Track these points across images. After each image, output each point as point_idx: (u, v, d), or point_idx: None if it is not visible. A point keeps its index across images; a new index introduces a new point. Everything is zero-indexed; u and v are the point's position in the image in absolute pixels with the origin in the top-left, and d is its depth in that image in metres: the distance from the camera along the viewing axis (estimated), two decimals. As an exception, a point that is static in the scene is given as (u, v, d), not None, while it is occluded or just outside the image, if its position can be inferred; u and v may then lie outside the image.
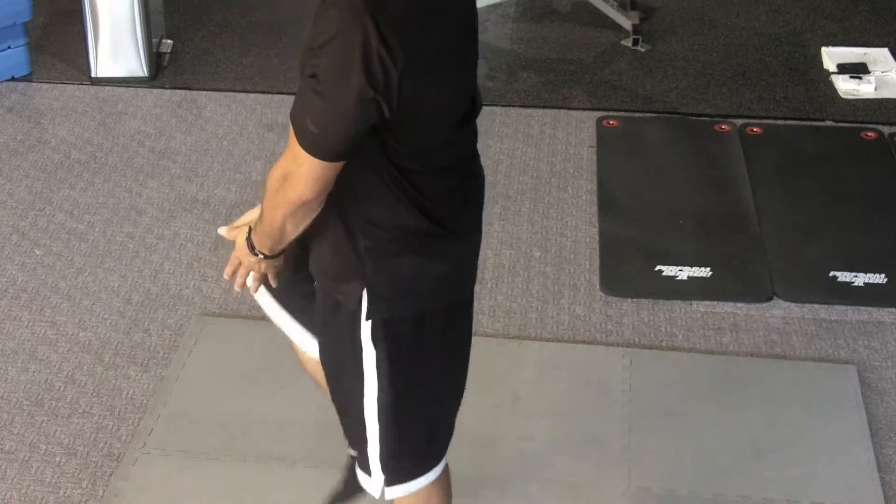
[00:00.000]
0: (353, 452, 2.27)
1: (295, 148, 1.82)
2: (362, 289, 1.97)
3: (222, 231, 2.15)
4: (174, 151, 4.10)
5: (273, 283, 2.12)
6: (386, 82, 1.74)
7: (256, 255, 2.03)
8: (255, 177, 3.92)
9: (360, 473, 2.20)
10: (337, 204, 1.92)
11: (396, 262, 1.96)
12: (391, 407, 2.06)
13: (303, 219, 1.91)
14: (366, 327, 1.99)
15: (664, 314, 3.37)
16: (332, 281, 2.02)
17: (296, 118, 1.81)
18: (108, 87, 4.46)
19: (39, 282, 3.46)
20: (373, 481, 2.17)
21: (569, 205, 3.84)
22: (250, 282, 2.10)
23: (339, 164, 1.83)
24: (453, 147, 1.98)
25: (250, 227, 2.03)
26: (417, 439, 2.15)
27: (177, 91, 4.46)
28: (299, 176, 1.83)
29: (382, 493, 2.18)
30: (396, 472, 2.15)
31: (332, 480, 2.74)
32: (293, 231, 1.94)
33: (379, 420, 2.08)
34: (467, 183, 2.03)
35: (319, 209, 1.90)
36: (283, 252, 2.04)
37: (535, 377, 3.12)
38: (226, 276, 2.11)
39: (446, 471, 2.25)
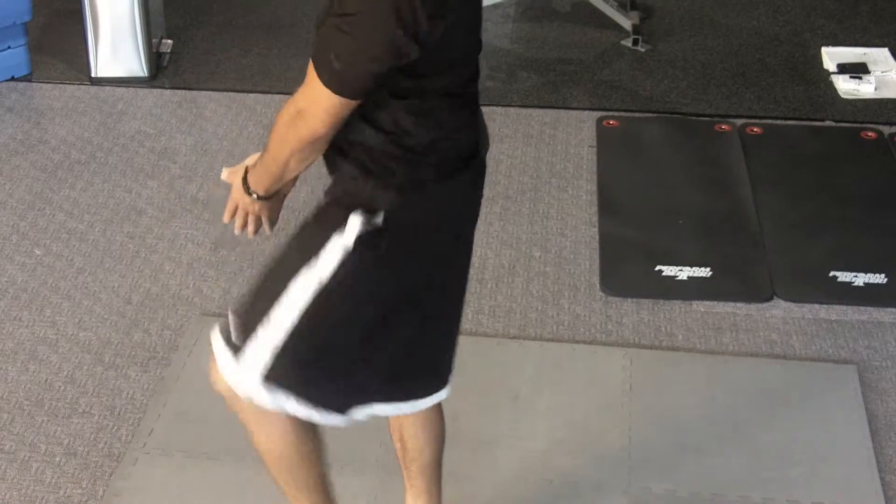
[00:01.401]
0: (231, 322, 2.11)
1: (313, 83, 1.84)
2: (380, 214, 1.97)
3: (224, 173, 2.15)
4: (174, 151, 4.10)
5: (267, 230, 2.12)
6: (416, 25, 1.77)
7: (251, 195, 2.05)
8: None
9: (221, 348, 2.07)
10: (359, 130, 1.94)
11: (415, 188, 1.98)
12: (323, 316, 2.01)
13: (308, 156, 1.93)
14: (349, 235, 1.96)
15: (664, 314, 3.37)
16: (346, 192, 2.01)
17: (319, 54, 1.83)
18: (108, 87, 4.47)
19: (39, 282, 3.46)
20: (242, 365, 2.04)
21: (569, 205, 3.84)
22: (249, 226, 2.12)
23: (356, 103, 1.86)
24: (470, 82, 2.01)
25: (247, 168, 2.06)
26: (333, 365, 2.07)
27: (177, 91, 4.46)
28: (315, 112, 1.85)
29: (251, 384, 2.05)
30: (284, 376, 2.03)
31: (331, 480, 2.74)
32: (296, 168, 1.96)
33: (302, 317, 2.00)
34: (477, 120, 2.07)
35: (325, 148, 1.92)
36: (277, 194, 2.06)
37: (535, 377, 3.12)
38: (225, 220, 2.12)
39: (318, 432, 2.17)
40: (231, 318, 2.07)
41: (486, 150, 2.12)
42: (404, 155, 1.94)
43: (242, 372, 2.04)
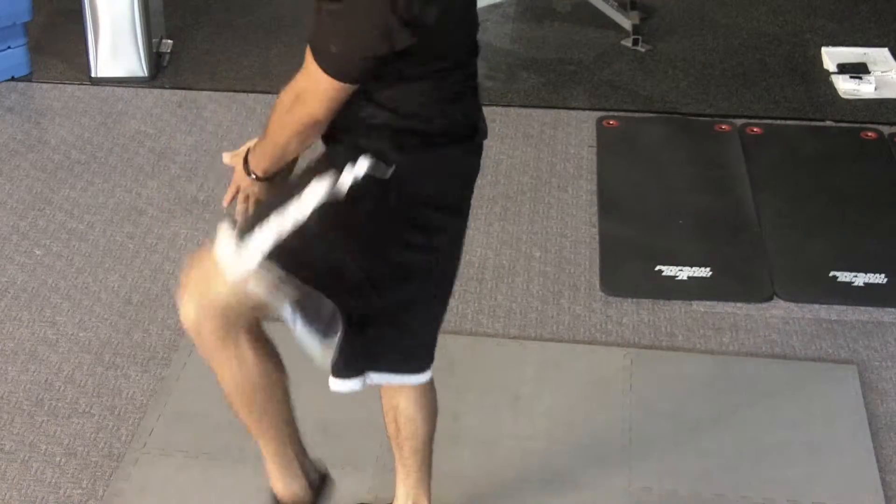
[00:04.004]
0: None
1: (311, 68, 1.87)
2: (391, 165, 1.95)
3: (226, 157, 2.18)
4: (174, 151, 4.10)
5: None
6: (410, 9, 1.79)
7: (250, 175, 2.07)
8: (255, 177, 3.93)
9: (226, 234, 2.00)
10: (368, 98, 1.93)
11: (425, 152, 1.99)
12: (327, 226, 1.98)
13: (307, 138, 1.96)
14: (360, 166, 1.95)
15: (664, 314, 3.37)
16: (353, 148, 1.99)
17: (316, 39, 1.86)
18: (108, 87, 4.47)
19: (39, 282, 3.46)
20: (246, 246, 1.98)
21: (569, 205, 3.84)
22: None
23: (354, 87, 1.87)
24: (469, 77, 2.03)
25: (248, 149, 2.08)
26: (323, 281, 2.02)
27: (177, 91, 4.46)
28: (314, 96, 1.88)
29: (249, 261, 1.98)
30: (282, 258, 1.97)
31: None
32: (295, 151, 1.99)
33: (309, 216, 1.97)
34: (477, 105, 2.08)
35: (323, 131, 1.94)
36: (277, 176, 2.08)
37: (535, 377, 3.12)
38: (225, 203, 2.15)
39: (282, 365, 2.14)
40: (238, 222, 2.05)
41: (485, 136, 2.13)
42: (405, 129, 1.96)
43: (244, 251, 1.97)
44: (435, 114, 1.98)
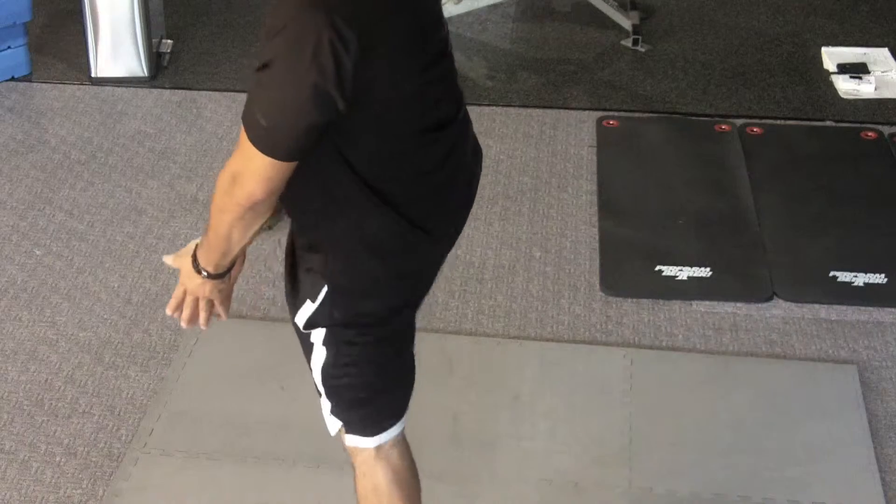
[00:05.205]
0: None
1: (245, 145, 1.74)
2: (323, 286, 1.96)
3: (167, 259, 2.08)
4: (174, 151, 4.10)
5: (221, 312, 2.04)
6: (337, 74, 1.66)
7: (201, 273, 1.97)
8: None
9: (323, 410, 2.14)
10: (306, 216, 1.90)
11: (363, 267, 1.95)
12: (333, 383, 2.06)
13: (250, 223, 1.85)
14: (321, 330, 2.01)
15: (664, 314, 3.37)
16: (302, 270, 2.02)
17: (246, 113, 1.74)
18: (108, 87, 4.46)
19: (39, 282, 3.46)
20: (330, 421, 2.13)
21: (569, 205, 3.84)
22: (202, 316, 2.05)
23: (291, 165, 1.76)
24: (428, 151, 1.92)
25: (196, 246, 1.98)
26: (360, 409, 2.10)
27: (177, 91, 4.46)
28: (249, 175, 1.76)
29: (340, 435, 2.14)
30: (348, 423, 2.11)
31: (332, 480, 2.74)
32: (240, 238, 1.88)
33: (323, 385, 2.07)
34: (450, 185, 1.99)
35: (267, 214, 1.84)
36: (227, 272, 1.99)
37: (535, 377, 3.12)
38: (168, 313, 2.04)
39: (401, 442, 2.17)
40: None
41: (456, 231, 2.07)
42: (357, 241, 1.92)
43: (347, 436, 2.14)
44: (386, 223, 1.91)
